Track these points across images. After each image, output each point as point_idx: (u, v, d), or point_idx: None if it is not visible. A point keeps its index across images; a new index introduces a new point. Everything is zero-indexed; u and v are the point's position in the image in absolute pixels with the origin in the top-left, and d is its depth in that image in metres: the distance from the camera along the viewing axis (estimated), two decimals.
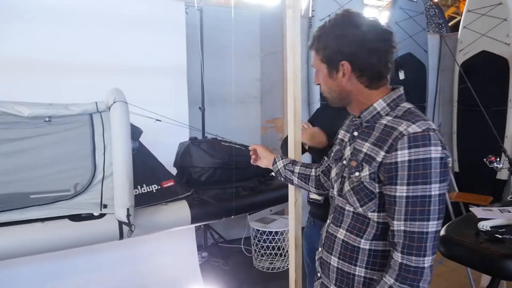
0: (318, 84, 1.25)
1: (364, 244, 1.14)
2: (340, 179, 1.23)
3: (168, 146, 2.82)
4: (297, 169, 1.57)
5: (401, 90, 1.16)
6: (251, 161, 1.72)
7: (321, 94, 2.12)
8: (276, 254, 3.68)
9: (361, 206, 1.13)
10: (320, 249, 1.31)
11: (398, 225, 1.03)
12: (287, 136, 1.75)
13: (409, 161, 0.99)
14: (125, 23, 3.14)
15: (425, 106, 5.08)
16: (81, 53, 2.99)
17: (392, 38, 1.13)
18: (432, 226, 1.00)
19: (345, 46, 1.11)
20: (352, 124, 1.26)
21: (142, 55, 3.19)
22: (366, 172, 1.09)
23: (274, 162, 1.62)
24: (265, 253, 3.69)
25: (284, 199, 2.45)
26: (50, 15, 2.90)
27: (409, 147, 0.99)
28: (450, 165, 1.03)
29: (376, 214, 1.12)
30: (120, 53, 3.13)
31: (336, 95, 1.20)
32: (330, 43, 1.14)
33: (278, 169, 1.61)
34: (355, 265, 1.16)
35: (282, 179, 1.63)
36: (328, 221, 1.30)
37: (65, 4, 2.94)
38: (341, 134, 1.34)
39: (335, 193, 1.26)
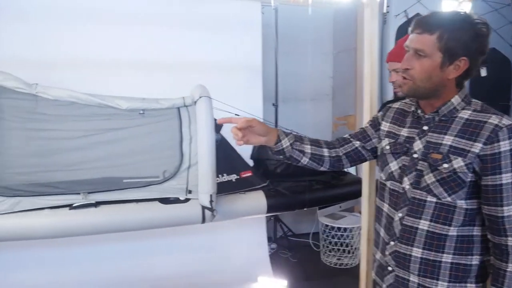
0: (406, 69, 1.21)
1: (453, 231, 1.19)
2: (414, 173, 1.25)
3: None
4: (307, 148, 1.41)
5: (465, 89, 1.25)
6: (237, 141, 1.32)
7: (394, 92, 2.14)
8: (344, 250, 3.71)
9: (450, 195, 1.18)
10: (392, 243, 1.30)
11: (508, 211, 1.12)
12: None
13: (511, 150, 1.11)
14: (205, 24, 3.36)
15: (510, 105, 4.78)
16: (165, 52, 3.26)
17: None
18: None
19: (473, 44, 1.15)
20: (405, 116, 1.34)
21: (220, 54, 3.39)
22: (460, 163, 1.15)
23: (278, 141, 1.37)
24: (333, 249, 3.73)
25: (356, 194, 2.51)
26: (140, 18, 3.19)
27: (509, 138, 1.11)
28: None
29: (464, 201, 1.18)
30: (200, 52, 3.35)
31: (430, 86, 1.20)
32: (458, 36, 1.14)
33: (283, 148, 1.38)
34: (442, 252, 1.21)
35: (281, 157, 1.42)
36: (399, 214, 1.28)
37: (151, 8, 3.21)
38: (382, 125, 1.41)
39: (407, 186, 1.26)
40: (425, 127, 1.25)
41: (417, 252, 1.24)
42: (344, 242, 3.68)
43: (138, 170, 2.37)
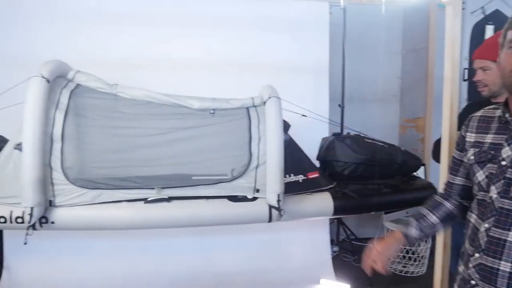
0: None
1: None
2: (502, 181, 1.18)
3: (309, 140, 2.97)
4: (434, 219, 1.45)
5: None
6: (367, 269, 1.46)
7: (469, 92, 2.01)
8: (410, 258, 3.57)
9: None
10: (477, 255, 1.24)
11: None
12: (438, 140, 1.72)
13: None
14: (273, 25, 3.39)
15: None
16: (234, 53, 3.33)
17: None
18: None
19: None
20: (489, 123, 1.27)
21: (287, 54, 3.41)
22: None
23: (406, 235, 1.44)
24: (398, 256, 3.60)
25: (426, 200, 2.40)
26: (210, 20, 3.29)
27: None
28: None
29: None
30: (267, 53, 3.39)
31: None
32: None
33: (416, 237, 1.45)
34: None
35: (425, 239, 1.55)
36: (485, 225, 1.23)
37: (221, 10, 3.30)
38: (467, 136, 1.34)
39: (494, 195, 1.20)
40: None
41: (505, 266, 1.16)
42: (411, 249, 3.54)
43: (207, 168, 2.44)
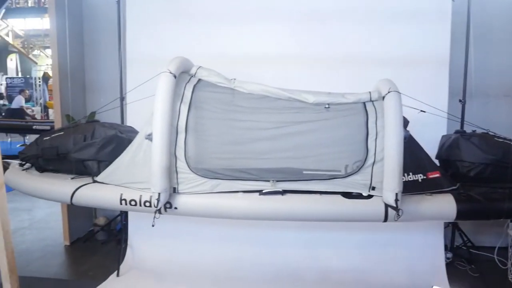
0: None
1: None
2: None
3: (426, 137, 2.78)
4: None
5: None
6: None
7: None
8: None
9: None
10: None
11: None
12: None
13: None
14: (389, 16, 3.23)
15: None
16: (349, 46, 3.25)
17: None
18: None
19: None
20: None
21: (404, 46, 3.23)
22: None
23: None
24: None
25: None
26: (322, 15, 3.25)
27: None
28: None
29: None
30: (383, 46, 3.25)
31: None
32: None
33: None
34: None
35: None
36: None
37: (336, 4, 3.24)
38: None
39: None
40: None
41: None
42: None
43: (320, 163, 2.42)
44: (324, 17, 3.26)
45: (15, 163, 2.89)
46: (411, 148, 2.27)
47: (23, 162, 2.84)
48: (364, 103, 2.36)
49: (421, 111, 2.56)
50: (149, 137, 2.25)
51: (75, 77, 3.70)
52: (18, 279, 1.92)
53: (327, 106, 2.40)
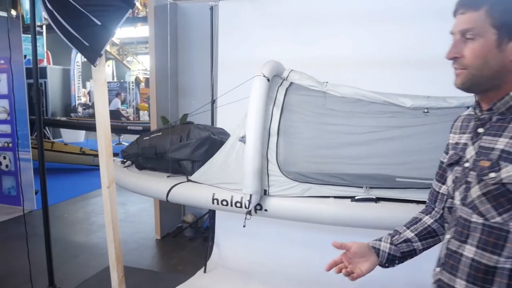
0: (454, 58, 0.98)
1: (504, 263, 0.92)
2: (464, 185, 1.01)
3: None
4: (410, 234, 1.19)
5: None
6: (347, 275, 1.14)
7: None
8: None
9: (499, 215, 0.92)
10: (438, 269, 1.07)
11: None
12: None
13: None
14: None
15: None
16: (432, 48, 3.04)
17: None
18: None
19: None
20: (470, 121, 1.06)
21: None
22: (510, 172, 0.89)
23: (377, 250, 1.16)
24: None
25: None
26: (415, 16, 3.09)
27: None
28: None
29: None
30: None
31: (489, 74, 0.95)
32: None
33: (388, 252, 1.16)
34: None
35: (397, 263, 1.17)
36: (447, 235, 1.06)
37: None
38: (450, 137, 1.14)
39: (457, 202, 1.04)
40: (480, 129, 1.00)
41: (460, 284, 0.99)
42: None
43: (414, 170, 2.30)
44: (410, 16, 3.09)
45: (117, 160, 3.14)
46: None
47: (125, 160, 3.07)
48: (468, 107, 2.20)
49: None
50: (243, 139, 2.31)
51: (170, 81, 3.92)
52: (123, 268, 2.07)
53: (426, 110, 2.27)
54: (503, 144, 0.93)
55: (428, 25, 3.00)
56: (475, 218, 0.97)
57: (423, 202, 2.18)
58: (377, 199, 2.22)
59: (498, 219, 0.93)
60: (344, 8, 3.18)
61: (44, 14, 1.83)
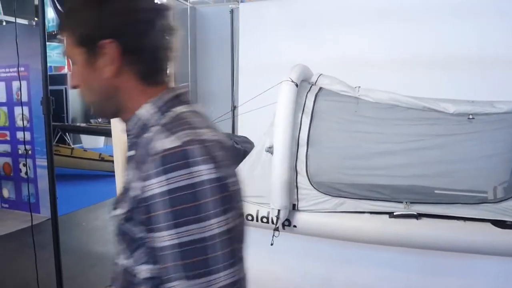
0: (75, 87, 0.84)
1: None
2: None
3: None
4: None
5: (184, 88, 0.88)
6: None
7: None
8: None
9: (127, 258, 0.81)
10: None
11: None
12: None
13: (169, 191, 0.67)
14: None
15: None
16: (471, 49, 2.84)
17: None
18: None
19: (108, 16, 0.77)
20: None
21: None
22: (121, 210, 0.79)
23: None
24: None
25: None
26: (449, 16, 2.89)
27: (165, 172, 0.67)
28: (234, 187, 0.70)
29: (147, 266, 0.77)
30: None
31: (101, 98, 0.82)
32: (85, 16, 0.78)
33: None
34: None
35: None
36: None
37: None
38: None
39: None
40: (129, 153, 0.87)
41: None
42: None
43: (457, 182, 2.10)
44: (454, 15, 2.89)
45: None
46: None
47: None
48: None
49: None
50: (270, 150, 2.14)
51: (190, 87, 3.81)
52: None
53: (470, 117, 2.07)
54: (128, 174, 0.83)
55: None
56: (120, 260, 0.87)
57: (470, 219, 1.99)
58: (419, 215, 2.01)
59: (124, 262, 0.83)
60: (367, 6, 3.00)
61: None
